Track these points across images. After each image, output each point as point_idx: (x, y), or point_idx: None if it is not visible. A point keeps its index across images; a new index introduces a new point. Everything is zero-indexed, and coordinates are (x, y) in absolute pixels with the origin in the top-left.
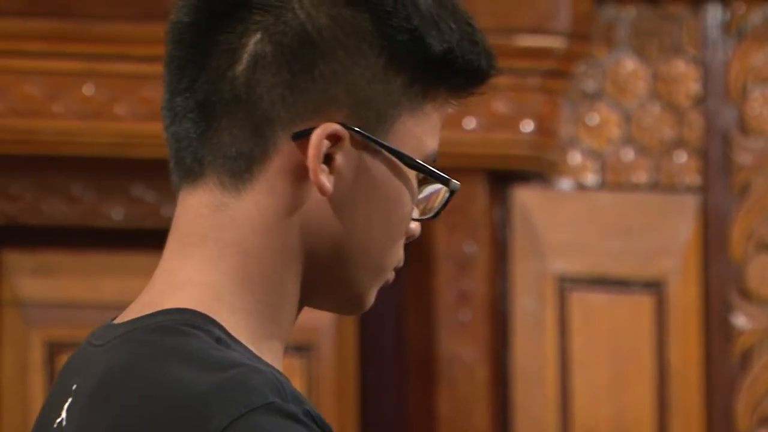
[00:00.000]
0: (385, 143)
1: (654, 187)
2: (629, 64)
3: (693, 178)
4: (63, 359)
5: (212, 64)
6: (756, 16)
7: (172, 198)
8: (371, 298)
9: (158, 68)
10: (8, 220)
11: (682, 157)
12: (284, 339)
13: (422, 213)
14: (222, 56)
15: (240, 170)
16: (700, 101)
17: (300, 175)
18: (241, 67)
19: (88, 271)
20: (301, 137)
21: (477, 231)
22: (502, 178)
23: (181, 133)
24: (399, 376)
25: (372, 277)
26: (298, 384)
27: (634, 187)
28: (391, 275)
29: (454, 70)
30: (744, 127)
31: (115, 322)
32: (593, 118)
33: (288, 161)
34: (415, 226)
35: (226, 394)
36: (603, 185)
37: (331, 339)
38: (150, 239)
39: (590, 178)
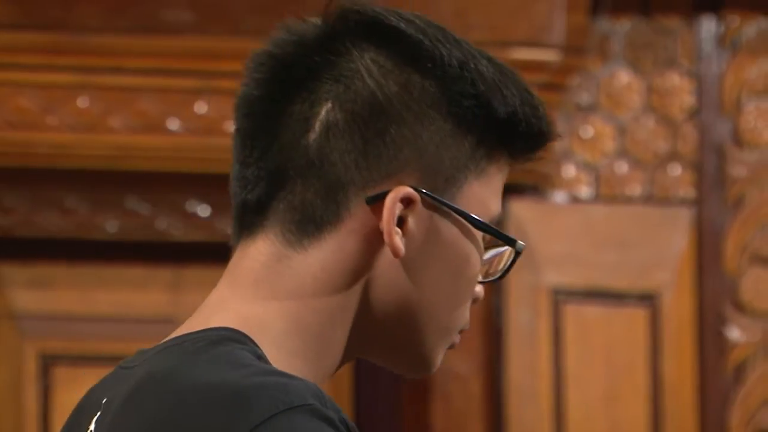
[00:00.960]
0: (454, 206)
1: (648, 199)
2: (623, 76)
3: (687, 191)
4: (57, 371)
5: (285, 134)
6: (750, 29)
7: (166, 210)
8: (438, 360)
9: (152, 81)
10: (3, 233)
11: (676, 169)
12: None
13: (486, 275)
14: (294, 126)
15: (310, 229)
16: (695, 114)
17: (371, 237)
18: (314, 135)
19: (82, 283)
20: (375, 201)
21: None
22: None
23: (252, 199)
24: (393, 389)
25: (438, 338)
26: None
27: (629, 200)
28: (457, 338)
29: (517, 133)
30: (738, 140)
31: (151, 348)
32: (587, 131)
33: (360, 224)
34: (479, 288)
35: (265, 391)
36: (597, 198)
37: None
38: (144, 251)
39: (584, 190)
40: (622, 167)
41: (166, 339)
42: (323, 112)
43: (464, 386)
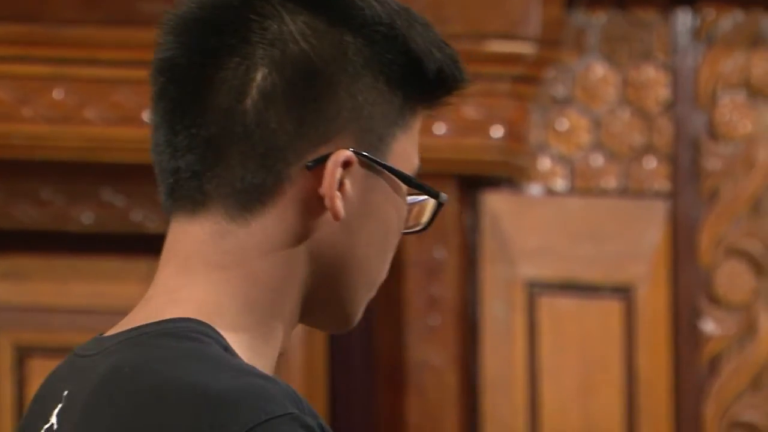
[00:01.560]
0: (387, 164)
1: (623, 192)
2: (599, 69)
3: (662, 184)
4: (32, 363)
5: (219, 101)
6: (726, 22)
7: (141, 202)
8: (360, 314)
9: (128, 72)
10: None
11: (651, 162)
12: (275, 358)
13: (408, 226)
14: (229, 92)
15: (250, 201)
16: (670, 107)
17: (311, 202)
18: (250, 102)
19: (57, 275)
20: (315, 166)
21: (446, 236)
22: (472, 184)
23: (184, 167)
24: (368, 382)
25: (365, 293)
26: None
27: (604, 193)
28: (375, 291)
29: (441, 86)
30: (713, 133)
31: (106, 335)
32: (563, 124)
33: (300, 190)
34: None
35: (246, 399)
36: (572, 191)
37: (300, 344)
38: (119, 243)
39: (560, 183)
40: (598, 160)
41: (123, 328)
42: (259, 78)
43: (439, 378)
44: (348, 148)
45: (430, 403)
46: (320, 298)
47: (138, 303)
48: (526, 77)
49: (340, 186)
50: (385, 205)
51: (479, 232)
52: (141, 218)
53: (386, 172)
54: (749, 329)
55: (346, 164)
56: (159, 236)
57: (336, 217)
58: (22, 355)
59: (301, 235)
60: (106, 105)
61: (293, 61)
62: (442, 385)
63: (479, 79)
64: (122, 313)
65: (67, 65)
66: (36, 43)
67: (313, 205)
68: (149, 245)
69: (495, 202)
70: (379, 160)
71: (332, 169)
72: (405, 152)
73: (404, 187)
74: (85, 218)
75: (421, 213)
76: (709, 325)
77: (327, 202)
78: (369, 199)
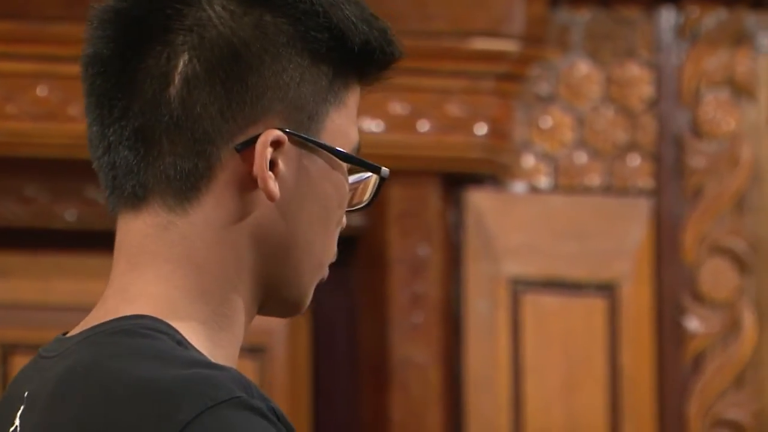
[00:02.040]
0: (320, 141)
1: (607, 190)
2: (583, 67)
3: (646, 182)
4: (16, 360)
5: (144, 91)
6: (710, 20)
7: None
8: (310, 297)
9: None
10: None
11: (635, 160)
12: (237, 347)
13: (352, 203)
14: (153, 81)
15: (185, 189)
16: (654, 105)
17: (245, 185)
18: (174, 90)
19: (41, 272)
20: (244, 148)
21: (430, 233)
22: (456, 181)
23: (118, 161)
24: (352, 379)
25: (313, 274)
26: None
27: (587, 190)
28: (326, 272)
29: (372, 60)
30: (697, 131)
31: (67, 335)
32: (547, 121)
33: (233, 173)
34: (344, 218)
35: (192, 388)
36: (556, 188)
37: (284, 341)
38: (103, 240)
39: (543, 181)
40: (581, 157)
41: (81, 327)
42: (181, 65)
43: (423, 376)
44: (277, 128)
45: (414, 400)
46: (271, 284)
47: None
48: (510, 75)
49: (273, 166)
50: (323, 183)
51: (463, 230)
52: None
53: (321, 150)
54: (733, 327)
55: (276, 144)
56: None
57: (270, 197)
58: (6, 352)
59: (241, 219)
60: None
61: (213, 45)
62: (425, 383)
63: (463, 76)
64: None
65: (51, 62)
66: (20, 40)
67: (248, 188)
68: None
69: (479, 200)
70: (311, 138)
71: (261, 150)
72: (341, 129)
73: (344, 165)
74: (69, 215)
75: (365, 190)
76: (692, 323)
77: (260, 183)
78: (305, 179)
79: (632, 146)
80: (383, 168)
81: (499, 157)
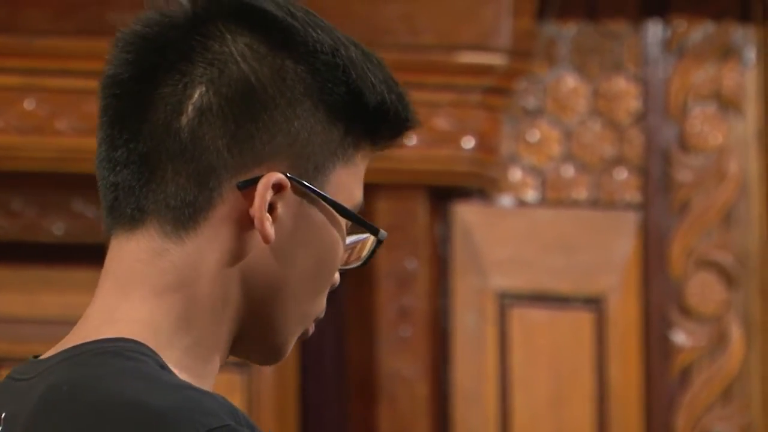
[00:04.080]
0: (323, 193)
1: (594, 203)
2: (570, 81)
3: (633, 195)
4: (2, 374)
5: (156, 116)
6: (696, 34)
7: None
8: (290, 347)
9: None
10: None
11: (622, 174)
12: (213, 380)
13: (346, 262)
14: (166, 108)
15: (184, 218)
16: (641, 118)
17: (243, 223)
18: (186, 119)
19: (28, 285)
20: (246, 186)
21: (418, 247)
22: (443, 195)
23: (122, 182)
24: (339, 392)
25: (297, 325)
26: (238, 400)
27: (575, 204)
28: (311, 326)
29: (385, 122)
30: (684, 145)
31: (41, 357)
32: (534, 135)
33: (232, 210)
34: (337, 275)
35: (183, 413)
36: (543, 202)
37: None
38: (90, 254)
39: (531, 194)
40: (569, 171)
41: (57, 349)
42: (196, 96)
43: (410, 389)
44: (282, 172)
45: (402, 414)
46: (252, 325)
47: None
48: (497, 88)
49: (272, 209)
50: (320, 234)
51: (450, 243)
52: None
53: (322, 201)
54: (720, 341)
55: (278, 187)
56: None
57: (265, 239)
58: None
59: (235, 256)
60: (77, 116)
61: (231, 81)
62: (413, 396)
63: (450, 90)
64: None
65: (39, 76)
66: (7, 54)
67: (245, 227)
68: None
69: (466, 214)
70: (314, 188)
71: (262, 191)
72: (346, 186)
73: (342, 221)
74: (56, 229)
75: (361, 250)
76: (680, 337)
77: (256, 223)
78: (303, 227)
79: (619, 160)
80: (381, 230)
81: (486, 170)
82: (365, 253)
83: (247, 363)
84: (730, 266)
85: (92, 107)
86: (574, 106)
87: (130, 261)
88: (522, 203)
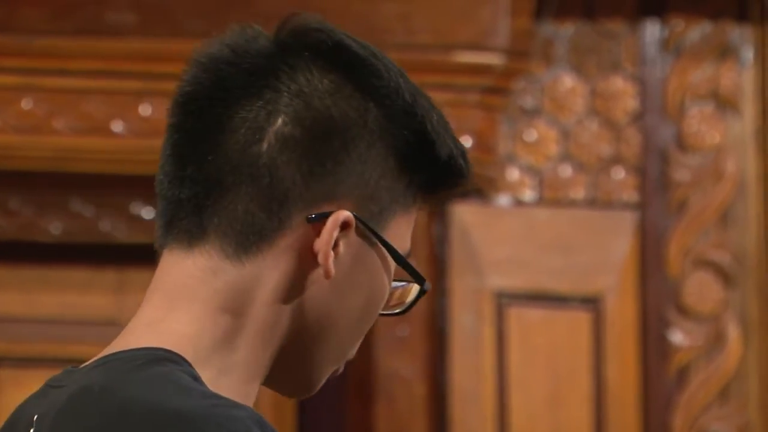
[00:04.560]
0: (383, 237)
1: (592, 203)
2: (567, 80)
3: (630, 195)
4: (2, 373)
5: (234, 138)
6: (694, 33)
7: (110, 212)
8: (321, 384)
9: (97, 83)
10: None
11: (619, 173)
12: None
13: (386, 307)
14: (247, 132)
15: (248, 242)
16: (638, 118)
17: (305, 256)
18: (266, 145)
19: (25, 285)
20: (316, 220)
21: (415, 247)
22: None
23: (187, 199)
24: (337, 392)
25: (332, 362)
26: None
27: (572, 204)
28: (342, 366)
29: (448, 175)
30: (682, 144)
31: (80, 366)
32: (531, 135)
33: (296, 241)
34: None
35: (211, 419)
36: (541, 201)
37: None
38: (88, 254)
39: (528, 194)
40: (566, 171)
41: (96, 357)
42: (279, 124)
43: (408, 389)
44: (350, 212)
45: (399, 414)
46: (292, 356)
47: (112, 314)
48: (495, 88)
49: (335, 246)
50: (373, 276)
51: (448, 243)
52: (109, 228)
53: (380, 245)
54: (717, 340)
55: (345, 226)
56: (127, 246)
57: (327, 275)
58: None
59: (292, 287)
60: (75, 115)
61: (315, 116)
62: (411, 396)
63: (448, 89)
64: (90, 323)
65: (36, 75)
66: (5, 53)
67: (307, 260)
68: (118, 255)
69: (463, 213)
70: (376, 231)
71: (331, 227)
72: (400, 233)
73: (393, 266)
74: (54, 228)
75: (403, 296)
76: (677, 336)
77: (320, 258)
78: (359, 267)
79: (617, 159)
80: (426, 282)
81: (483, 170)
82: (408, 299)
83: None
84: (728, 266)
85: (90, 107)
86: (572, 105)
87: (183, 277)
88: (519, 203)
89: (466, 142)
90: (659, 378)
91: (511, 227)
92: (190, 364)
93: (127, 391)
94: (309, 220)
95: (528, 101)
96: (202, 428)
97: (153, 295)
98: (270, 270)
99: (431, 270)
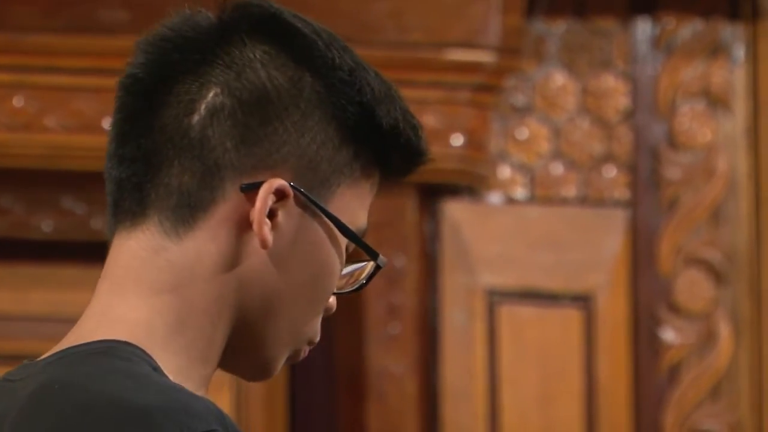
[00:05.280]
0: (325, 208)
1: (583, 201)
2: (559, 78)
3: (622, 193)
4: None
5: (168, 113)
6: (685, 31)
7: (101, 210)
8: (279, 365)
9: (89, 80)
10: None
11: (611, 171)
12: (206, 385)
13: (343, 287)
14: (179, 106)
15: (184, 216)
16: (629, 116)
17: (243, 226)
18: (197, 117)
19: (16, 283)
20: (249, 189)
21: (406, 244)
22: (432, 192)
23: (127, 178)
24: (328, 389)
25: (288, 343)
26: (226, 398)
27: (563, 201)
28: (304, 349)
29: (395, 149)
30: (673, 142)
31: (35, 360)
32: (523, 132)
33: (233, 211)
34: (332, 300)
35: (171, 415)
36: (532, 199)
37: None
38: (79, 251)
39: (519, 192)
40: (557, 168)
41: (53, 351)
42: (210, 96)
43: (399, 387)
44: (286, 181)
45: (390, 411)
46: (243, 335)
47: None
48: (486, 86)
49: (273, 216)
50: (318, 250)
51: (439, 241)
52: (101, 226)
53: (323, 217)
54: (709, 338)
55: (281, 194)
56: None
57: (263, 244)
58: None
59: (232, 259)
60: (66, 112)
61: (247, 85)
62: (402, 393)
63: (439, 87)
64: None
65: (28, 73)
66: None
67: (245, 231)
68: None
69: (455, 211)
70: (316, 201)
71: (264, 195)
72: (349, 207)
73: (343, 243)
74: (45, 226)
75: (360, 276)
76: (668, 334)
77: (255, 226)
78: (302, 239)
79: (608, 157)
80: (381, 256)
81: (475, 168)
82: (362, 277)
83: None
84: (719, 263)
85: (81, 104)
86: (563, 103)
87: (128, 259)
88: (511, 200)
89: (457, 139)
90: (650, 376)
91: (502, 225)
92: (147, 354)
93: (86, 388)
94: (242, 189)
95: (519, 99)
96: (161, 423)
97: (102, 283)
98: (207, 243)
99: (422, 267)
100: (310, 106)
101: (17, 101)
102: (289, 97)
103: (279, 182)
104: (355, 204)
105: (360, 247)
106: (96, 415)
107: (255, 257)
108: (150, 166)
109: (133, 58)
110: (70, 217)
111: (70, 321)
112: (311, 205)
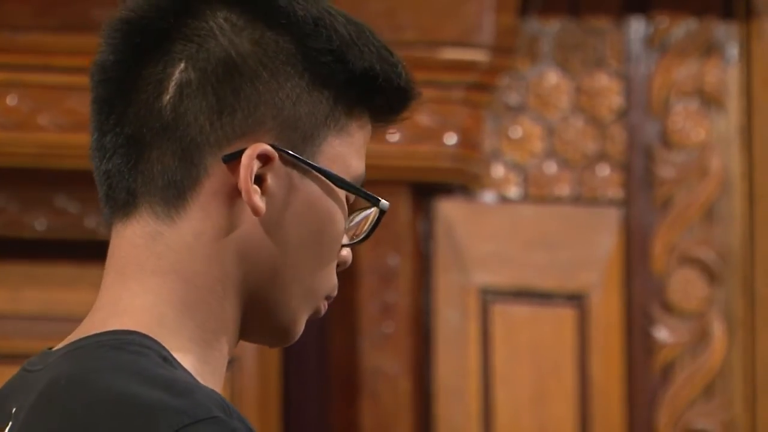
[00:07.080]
0: (313, 163)
1: (576, 200)
2: (552, 77)
3: (615, 192)
4: None
5: (140, 97)
6: (679, 30)
7: (95, 209)
8: (301, 327)
9: (82, 79)
10: None
11: (604, 170)
12: (224, 364)
13: (352, 238)
14: (148, 88)
15: (173, 198)
16: (623, 115)
17: (233, 197)
18: (168, 96)
19: (10, 281)
20: (232, 159)
21: (400, 243)
22: (426, 191)
23: (112, 169)
24: (322, 388)
25: (303, 302)
26: None
27: (557, 200)
28: (323, 305)
29: (375, 88)
30: (666, 141)
31: (53, 348)
32: (516, 131)
33: (220, 184)
34: (346, 252)
35: (171, 405)
36: (526, 198)
37: (253, 351)
38: (73, 250)
39: (513, 190)
40: (551, 167)
41: (68, 341)
42: (176, 73)
43: (393, 385)
44: (267, 143)
45: (384, 410)
46: (256, 305)
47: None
48: (480, 85)
49: (262, 182)
50: (315, 206)
51: (433, 240)
52: (95, 225)
53: (314, 172)
54: (702, 337)
55: (265, 159)
56: None
57: (255, 211)
58: None
59: (228, 232)
60: (59, 111)
61: (209, 55)
62: (395, 392)
63: (433, 86)
64: (76, 320)
65: (21, 72)
66: None
67: (236, 202)
68: (103, 252)
69: (448, 210)
70: (302, 158)
71: (247, 162)
72: (340, 156)
73: (341, 193)
74: (39, 225)
75: (365, 224)
76: (662, 333)
77: (243, 195)
78: (296, 199)
79: (602, 156)
80: (382, 200)
81: (469, 166)
82: (367, 226)
83: (230, 359)
84: (712, 263)
85: (75, 103)
86: (557, 102)
87: (127, 248)
88: (504, 199)
89: (451, 138)
90: (644, 375)
91: (496, 224)
92: (158, 343)
93: (91, 383)
94: (224, 161)
95: (513, 98)
96: (160, 415)
97: (108, 274)
98: (201, 221)
99: (416, 266)
100: (278, 64)
101: (11, 100)
102: (254, 60)
103: (261, 147)
104: (345, 151)
105: (360, 195)
106: (98, 411)
107: (251, 226)
108: (132, 154)
109: (101, 44)
110: (64, 216)
111: (63, 319)
112: (299, 163)
